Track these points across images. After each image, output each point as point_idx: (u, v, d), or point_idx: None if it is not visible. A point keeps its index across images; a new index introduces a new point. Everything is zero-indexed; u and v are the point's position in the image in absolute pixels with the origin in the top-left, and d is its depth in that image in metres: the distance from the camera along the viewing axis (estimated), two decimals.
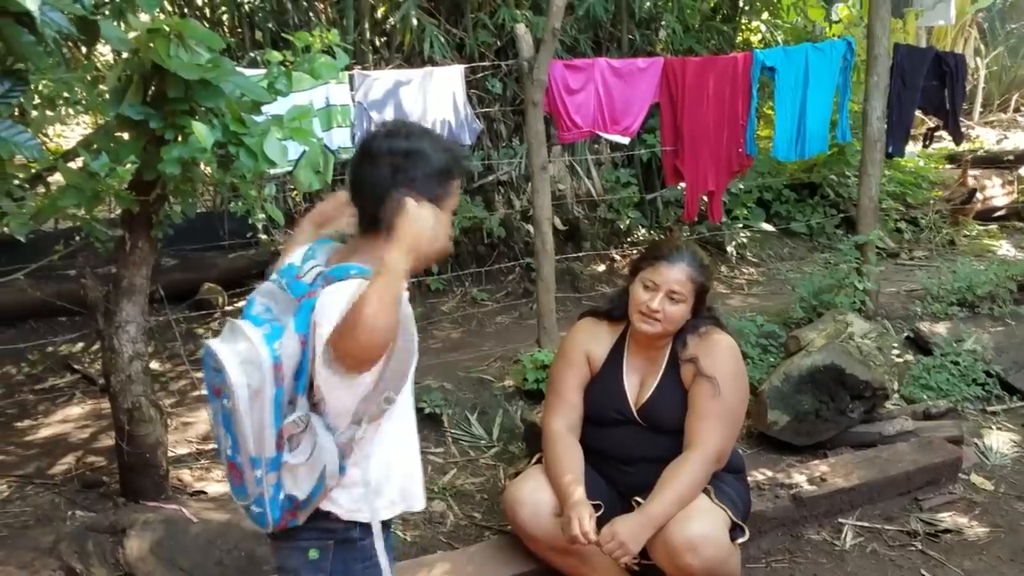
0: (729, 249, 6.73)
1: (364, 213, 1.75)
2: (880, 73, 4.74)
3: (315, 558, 1.76)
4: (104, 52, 5.67)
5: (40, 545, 2.81)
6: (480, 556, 2.79)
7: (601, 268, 6.49)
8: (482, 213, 5.96)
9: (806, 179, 7.43)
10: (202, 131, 2.40)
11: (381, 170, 1.71)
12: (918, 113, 5.54)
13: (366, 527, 1.75)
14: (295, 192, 5.98)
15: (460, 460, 3.68)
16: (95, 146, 2.76)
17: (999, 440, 3.85)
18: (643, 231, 6.70)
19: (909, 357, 4.46)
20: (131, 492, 3.13)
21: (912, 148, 7.49)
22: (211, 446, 3.90)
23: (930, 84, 5.20)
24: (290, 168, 3.69)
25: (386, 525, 1.83)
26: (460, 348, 5.03)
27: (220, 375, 1.64)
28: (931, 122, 6.27)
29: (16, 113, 3.06)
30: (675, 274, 2.51)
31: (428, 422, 3.85)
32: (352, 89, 3.99)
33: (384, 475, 1.76)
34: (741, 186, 6.69)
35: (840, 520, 3.19)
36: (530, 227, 5.60)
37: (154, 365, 4.56)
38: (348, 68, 3.92)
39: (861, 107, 4.98)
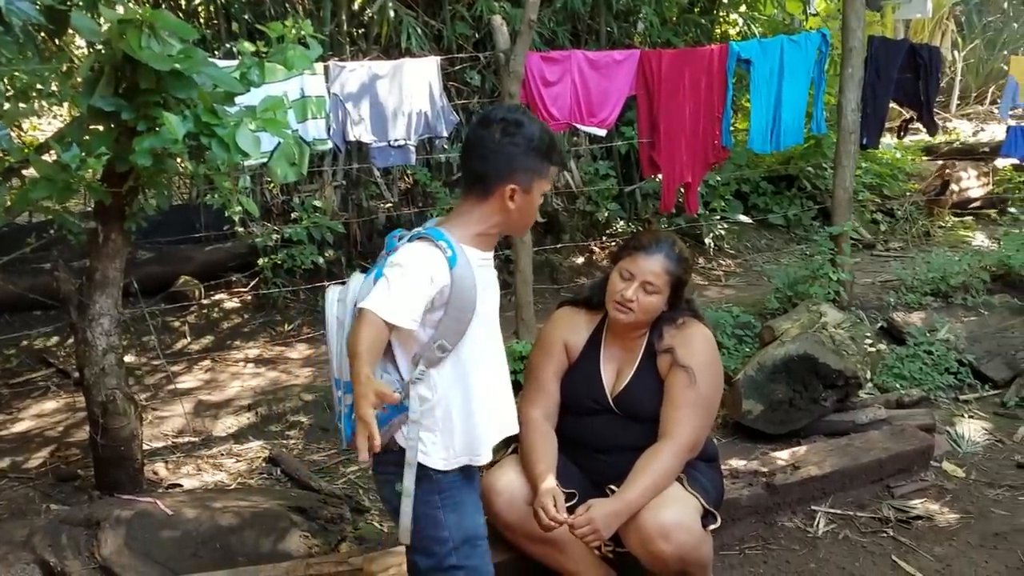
0: (707, 241, 6.77)
1: (469, 172, 1.99)
2: (855, 65, 4.78)
3: (399, 490, 1.95)
4: (80, 44, 5.62)
5: (14, 539, 2.79)
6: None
7: (580, 260, 6.51)
8: None
9: (783, 171, 7.48)
10: (174, 122, 2.39)
11: (492, 132, 1.94)
12: (893, 105, 5.59)
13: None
14: (272, 184, 5.96)
15: None
16: (67, 138, 2.74)
17: (971, 428, 3.90)
18: (622, 223, 6.73)
19: (883, 347, 4.50)
20: (106, 485, 3.12)
21: (888, 140, 7.56)
22: (186, 439, 3.89)
23: (904, 76, 5.25)
24: (265, 160, 3.69)
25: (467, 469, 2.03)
26: None
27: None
28: (906, 113, 6.33)
29: None
30: (651, 265, 2.52)
31: None
32: (327, 81, 3.98)
33: (447, 427, 1.96)
34: (719, 178, 6.73)
35: (813, 507, 3.22)
36: None
37: (128, 359, 4.53)
38: (324, 59, 3.91)
39: (836, 99, 5.02)
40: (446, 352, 1.92)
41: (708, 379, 2.56)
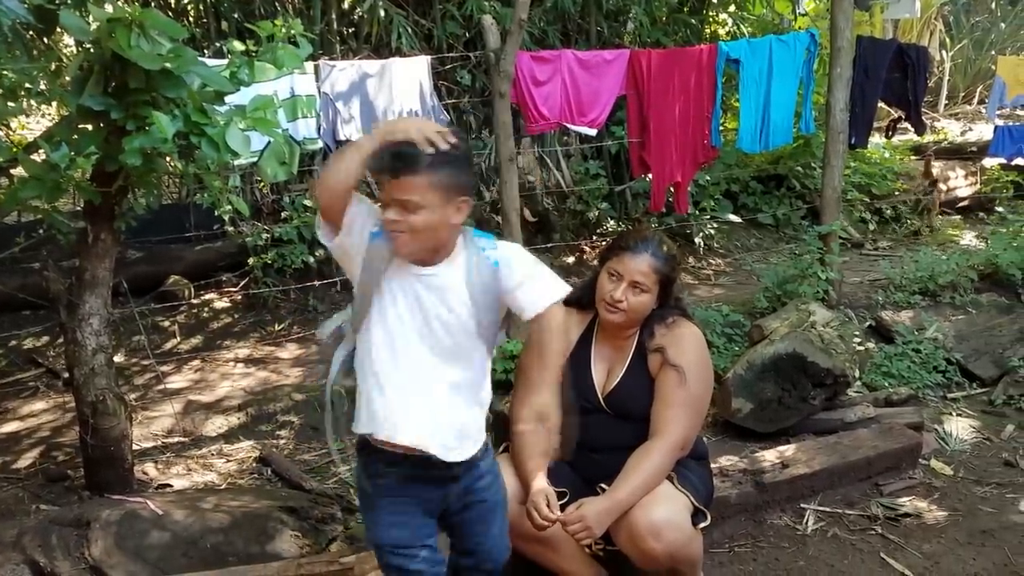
0: (697, 240, 6.79)
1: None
2: (843, 65, 4.80)
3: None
4: (68, 43, 5.60)
5: (3, 539, 2.78)
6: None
7: (571, 260, 6.52)
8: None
9: (773, 171, 7.51)
10: (163, 121, 2.39)
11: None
12: (881, 104, 5.62)
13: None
14: (262, 184, 5.95)
15: None
16: (56, 138, 2.73)
17: (958, 426, 3.93)
18: (612, 223, 6.74)
19: (871, 345, 4.53)
20: (96, 486, 3.11)
21: (876, 139, 7.59)
22: (176, 440, 3.88)
23: (893, 76, 5.28)
24: (255, 159, 3.68)
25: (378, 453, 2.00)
26: None
27: None
28: (894, 113, 6.36)
29: None
30: (639, 265, 2.53)
31: None
32: (318, 80, 3.97)
33: (361, 395, 1.99)
34: (708, 178, 6.76)
35: (802, 505, 3.24)
36: (499, 218, 5.61)
37: (118, 359, 4.52)
38: (314, 59, 3.91)
39: (825, 99, 5.04)
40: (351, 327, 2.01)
41: (699, 378, 2.57)
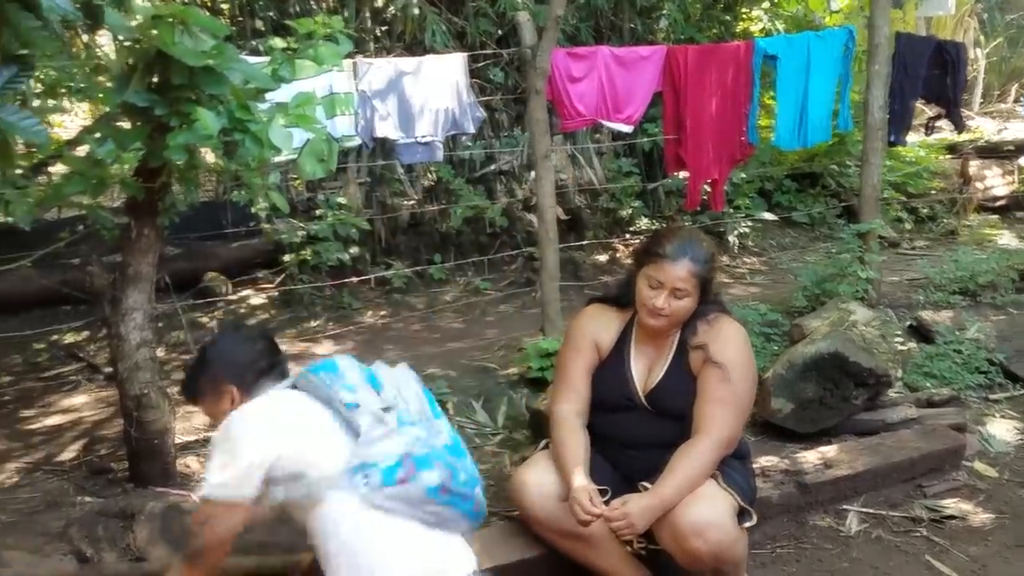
0: (731, 239, 6.74)
1: None
2: (881, 62, 4.74)
3: None
4: (105, 41, 5.66)
5: (50, 530, 2.83)
6: (487, 540, 2.79)
7: (603, 258, 6.50)
8: (484, 202, 5.96)
9: (807, 169, 7.44)
10: (207, 118, 2.40)
11: None
12: (919, 102, 5.54)
13: None
14: (297, 182, 5.99)
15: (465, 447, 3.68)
16: (99, 134, 2.75)
17: (1002, 428, 3.86)
18: (645, 220, 6.71)
19: (912, 345, 4.47)
20: (139, 478, 3.14)
21: (913, 137, 7.50)
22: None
23: (931, 73, 5.21)
24: (294, 156, 3.70)
25: None
26: (463, 337, 5.04)
27: None
28: (931, 111, 6.28)
29: (18, 102, 3.05)
30: (678, 271, 2.49)
31: None
32: (355, 77, 3.99)
33: None
34: (743, 176, 6.70)
35: (845, 506, 3.19)
36: (532, 216, 5.61)
37: (158, 354, 4.56)
38: (350, 56, 3.92)
39: (862, 96, 4.98)
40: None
41: (742, 375, 2.55)
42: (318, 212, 5.63)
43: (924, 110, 6.97)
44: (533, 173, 4.29)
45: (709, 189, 4.90)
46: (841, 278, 4.63)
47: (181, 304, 4.73)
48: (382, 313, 5.62)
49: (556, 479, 2.56)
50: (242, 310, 5.58)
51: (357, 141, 4.03)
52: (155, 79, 2.60)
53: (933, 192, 7.64)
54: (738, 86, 4.57)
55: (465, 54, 4.42)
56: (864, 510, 3.19)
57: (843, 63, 4.90)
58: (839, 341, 3.66)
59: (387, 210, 6.00)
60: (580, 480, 2.45)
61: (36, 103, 3.95)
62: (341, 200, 5.65)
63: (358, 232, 5.61)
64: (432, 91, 4.12)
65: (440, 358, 4.29)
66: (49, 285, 5.05)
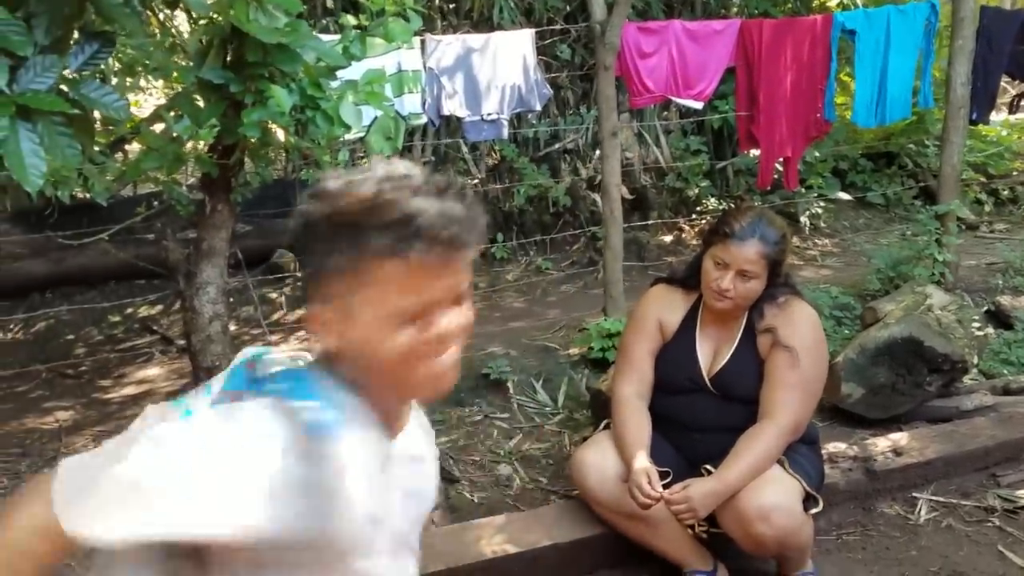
0: (802, 219, 6.59)
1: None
2: (965, 36, 4.56)
3: None
4: (177, 21, 5.78)
5: None
6: (547, 519, 2.80)
7: (668, 238, 6.42)
8: (548, 181, 5.94)
9: (883, 148, 7.22)
10: (281, 95, 2.43)
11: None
12: (1004, 79, 5.32)
13: None
14: (363, 160, 6.04)
15: (525, 426, 3.70)
16: (177, 111, 2.82)
17: None
18: (713, 200, 6.60)
19: (989, 331, 4.32)
20: None
21: (996, 116, 7.21)
22: None
23: (1017, 48, 4.98)
24: (362, 134, 3.73)
25: None
26: (524, 316, 5.04)
27: None
28: (1016, 89, 6.03)
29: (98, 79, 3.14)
30: (746, 253, 2.43)
31: (493, 388, 3.88)
32: (424, 55, 3.99)
33: None
34: (816, 154, 6.54)
35: (914, 494, 3.12)
36: (596, 195, 5.57)
37: (229, 328, 4.68)
38: (418, 34, 3.93)
39: (944, 72, 4.80)
40: None
41: (813, 360, 2.50)
42: None
43: (1008, 88, 6.69)
44: (599, 151, 4.24)
45: (782, 167, 4.79)
46: (917, 261, 4.49)
47: (252, 279, 4.83)
48: None
49: (617, 460, 2.55)
50: None
51: (424, 119, 4.04)
52: (230, 57, 2.65)
53: (1015, 173, 7.35)
54: (815, 61, 4.43)
55: (533, 30, 4.39)
56: (935, 498, 3.11)
57: (924, 38, 4.71)
58: (914, 325, 3.56)
59: None
60: (641, 462, 2.43)
61: (114, 81, 4.06)
62: None
63: None
64: (499, 68, 4.11)
65: (501, 337, 4.30)
66: (126, 259, 5.21)
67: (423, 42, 3.99)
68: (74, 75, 1.96)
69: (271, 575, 1.07)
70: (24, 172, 1.78)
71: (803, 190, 6.44)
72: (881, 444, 3.24)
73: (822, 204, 6.73)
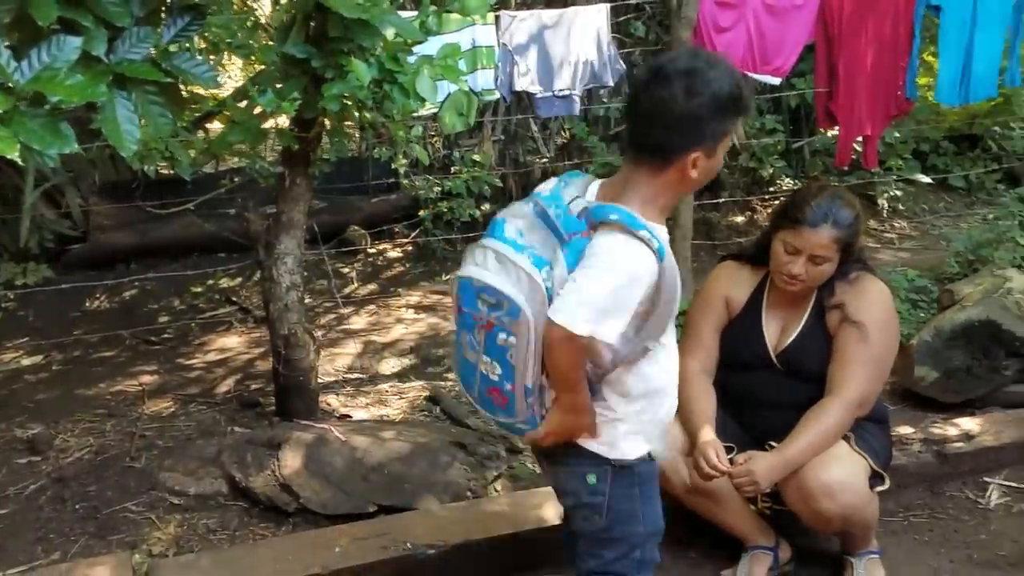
0: (880, 202, 6.44)
1: (644, 141, 1.68)
2: None
3: (593, 483, 1.81)
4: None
5: (204, 455, 3.07)
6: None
7: (740, 219, 6.35)
8: (619, 160, 5.91)
9: (967, 130, 6.99)
10: (360, 68, 2.51)
11: (673, 92, 1.61)
12: None
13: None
14: (434, 138, 6.13)
15: None
16: (261, 86, 2.92)
17: None
18: (788, 181, 6.47)
19: None
20: (285, 412, 3.35)
21: None
22: (355, 376, 4.12)
23: None
24: (435, 109, 3.80)
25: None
26: None
27: (500, 310, 1.61)
28: None
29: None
30: (818, 239, 2.37)
31: None
32: (498, 30, 4.03)
33: (644, 419, 1.81)
34: (897, 135, 6.36)
35: (985, 479, 3.07)
36: None
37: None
38: (493, 10, 3.97)
39: None
40: (648, 351, 1.74)
41: (882, 336, 2.46)
42: (453, 169, 5.76)
43: None
44: None
45: (862, 145, 4.68)
46: (998, 244, 4.37)
47: (326, 252, 4.96)
48: None
49: (681, 434, 2.56)
50: (379, 262, 5.81)
51: (496, 95, 4.09)
52: (311, 33, 2.74)
53: None
54: (898, 37, 4.31)
55: (607, 5, 4.37)
56: (1007, 483, 3.05)
57: (1014, 15, 4.53)
58: (993, 308, 3.47)
59: (520, 167, 6.05)
60: (707, 435, 2.44)
61: (199, 58, 4.20)
62: (476, 157, 5.75)
63: (491, 189, 5.70)
64: (573, 44, 4.12)
65: None
66: (208, 231, 5.40)
67: (497, 18, 4.03)
68: (166, 47, 2.06)
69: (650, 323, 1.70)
70: (120, 138, 1.89)
71: (882, 171, 6.28)
72: (953, 428, 3.19)
73: (901, 186, 6.55)
